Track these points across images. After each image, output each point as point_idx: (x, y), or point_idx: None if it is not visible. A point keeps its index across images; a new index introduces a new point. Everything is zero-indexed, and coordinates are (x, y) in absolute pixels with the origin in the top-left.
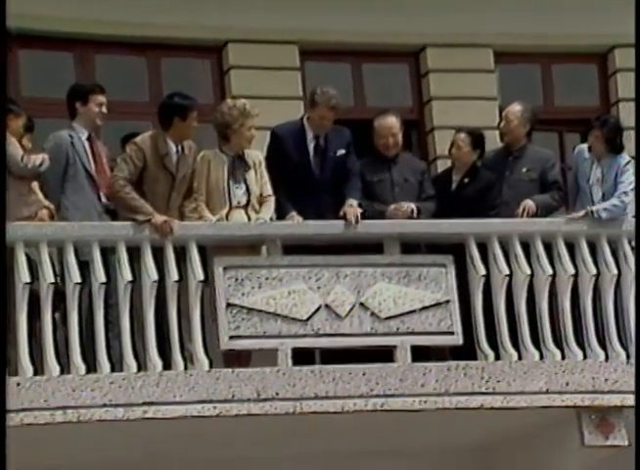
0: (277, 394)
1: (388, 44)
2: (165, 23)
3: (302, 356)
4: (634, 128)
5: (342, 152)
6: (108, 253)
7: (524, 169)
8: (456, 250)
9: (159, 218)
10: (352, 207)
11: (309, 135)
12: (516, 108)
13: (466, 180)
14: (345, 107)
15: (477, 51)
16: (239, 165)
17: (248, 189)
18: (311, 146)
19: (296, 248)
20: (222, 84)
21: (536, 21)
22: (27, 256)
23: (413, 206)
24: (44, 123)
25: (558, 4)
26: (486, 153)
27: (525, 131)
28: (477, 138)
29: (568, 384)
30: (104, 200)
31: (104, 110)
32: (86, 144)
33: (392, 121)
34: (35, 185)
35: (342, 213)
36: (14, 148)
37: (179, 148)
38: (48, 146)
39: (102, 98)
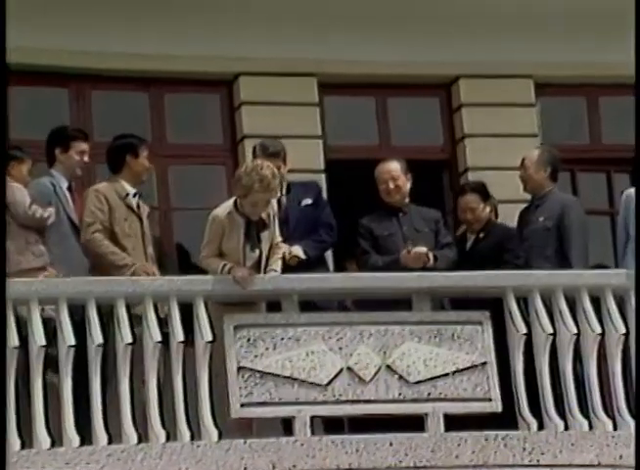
0: (294, 466)
1: (417, 76)
2: (169, 54)
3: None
4: (635, 132)
5: (307, 202)
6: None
7: (540, 218)
8: (492, 305)
9: (146, 267)
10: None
11: None
12: (533, 153)
13: (481, 235)
14: (369, 145)
15: (515, 82)
16: (255, 228)
17: (262, 251)
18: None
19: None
20: (232, 122)
21: (581, 48)
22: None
23: (426, 250)
24: (36, 169)
25: (604, 30)
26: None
27: (547, 175)
28: (483, 191)
29: (621, 457)
30: None
31: (85, 158)
32: (67, 194)
33: (393, 165)
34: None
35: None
36: (22, 195)
37: (135, 190)
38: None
39: (84, 145)
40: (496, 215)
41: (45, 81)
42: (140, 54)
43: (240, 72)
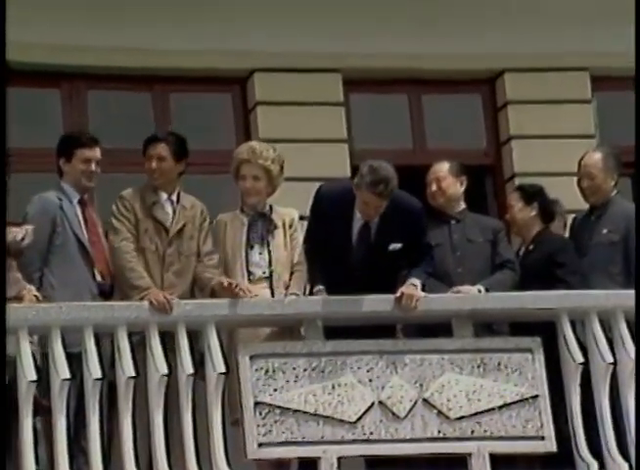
0: None
1: (455, 70)
2: (174, 49)
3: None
4: (635, 134)
5: (396, 246)
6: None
7: (604, 231)
8: (544, 330)
9: (159, 295)
10: (413, 288)
11: (357, 214)
12: (595, 157)
13: (531, 247)
14: (402, 149)
15: (568, 76)
16: (261, 226)
17: (271, 255)
18: (357, 227)
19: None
20: (247, 124)
21: None
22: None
23: (479, 287)
24: (23, 180)
25: None
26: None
27: (614, 183)
28: (531, 193)
29: None
30: (99, 278)
31: (93, 168)
32: (77, 209)
33: (440, 166)
34: (13, 264)
35: (397, 294)
36: None
37: (173, 198)
38: (32, 210)
39: (91, 153)
40: (564, 229)
41: (34, 81)
42: (142, 49)
43: (255, 69)
